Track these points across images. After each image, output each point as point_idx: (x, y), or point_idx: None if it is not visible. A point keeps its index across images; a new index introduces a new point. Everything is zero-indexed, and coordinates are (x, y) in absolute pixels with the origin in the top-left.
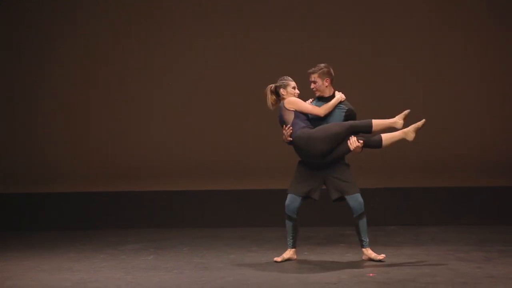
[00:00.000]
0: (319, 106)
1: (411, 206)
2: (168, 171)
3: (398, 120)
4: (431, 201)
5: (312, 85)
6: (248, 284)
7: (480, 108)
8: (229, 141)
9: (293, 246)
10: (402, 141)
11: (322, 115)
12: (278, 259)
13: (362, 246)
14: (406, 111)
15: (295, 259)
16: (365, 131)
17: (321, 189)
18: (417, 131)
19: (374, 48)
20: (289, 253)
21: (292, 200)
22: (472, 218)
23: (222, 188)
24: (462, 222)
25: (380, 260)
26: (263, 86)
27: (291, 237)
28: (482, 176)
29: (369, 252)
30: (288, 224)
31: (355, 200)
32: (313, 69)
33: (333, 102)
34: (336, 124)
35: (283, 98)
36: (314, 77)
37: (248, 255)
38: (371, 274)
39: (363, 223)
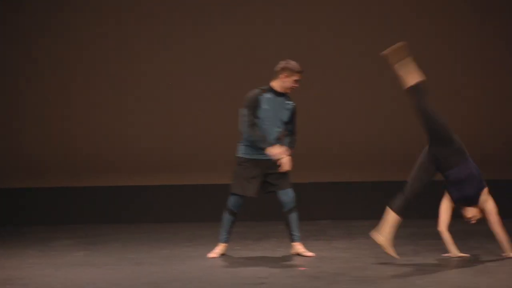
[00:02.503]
0: (276, 101)
1: (343, 200)
2: (97, 167)
3: None
4: (363, 196)
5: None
6: (180, 279)
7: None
8: (165, 135)
9: (226, 241)
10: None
11: None
12: (213, 255)
13: (293, 241)
14: None
15: (226, 254)
16: None
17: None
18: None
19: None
20: (222, 248)
21: (239, 197)
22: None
23: (153, 184)
24: None
25: (308, 257)
26: (242, 80)
27: (226, 232)
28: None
29: (298, 247)
30: (228, 218)
31: (286, 194)
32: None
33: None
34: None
35: None
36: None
37: (181, 251)
38: (302, 268)
39: (293, 217)
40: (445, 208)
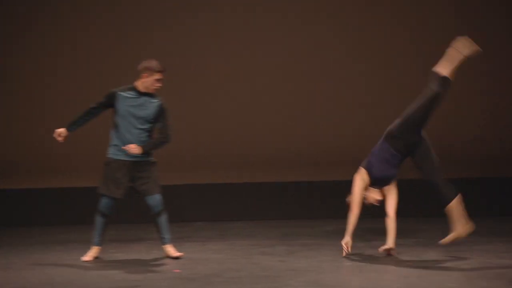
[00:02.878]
0: (138, 100)
1: (216, 202)
2: None
3: None
4: (236, 196)
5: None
6: (53, 283)
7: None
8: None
9: (100, 244)
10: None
11: None
12: (86, 258)
13: (163, 243)
14: None
15: (100, 257)
16: None
17: (128, 187)
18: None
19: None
20: (96, 251)
21: (109, 199)
22: (276, 212)
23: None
24: (268, 217)
25: (177, 257)
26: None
27: (99, 235)
28: (289, 173)
29: (168, 249)
30: (100, 221)
31: (153, 199)
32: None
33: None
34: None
35: None
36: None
37: (52, 254)
38: (176, 270)
39: (162, 220)
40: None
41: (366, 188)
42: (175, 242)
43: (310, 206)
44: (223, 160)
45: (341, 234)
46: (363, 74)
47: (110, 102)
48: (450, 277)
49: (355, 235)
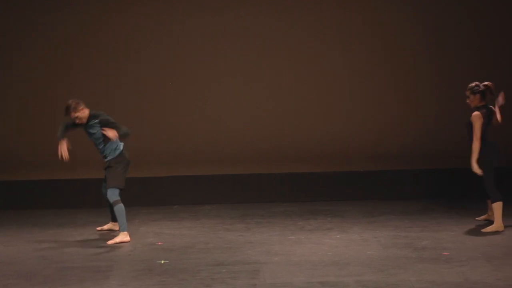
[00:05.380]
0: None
1: (191, 189)
2: None
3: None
4: (205, 185)
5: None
6: (65, 252)
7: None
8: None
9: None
10: None
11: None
12: (124, 239)
13: (120, 230)
14: None
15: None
16: None
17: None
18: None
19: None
20: (127, 234)
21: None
22: (237, 198)
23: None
24: (230, 201)
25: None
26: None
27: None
28: (250, 166)
29: (118, 236)
30: (123, 208)
31: (108, 192)
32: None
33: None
34: None
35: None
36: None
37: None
38: (159, 243)
39: (117, 209)
40: None
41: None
42: (158, 221)
43: (262, 192)
44: (199, 156)
45: (286, 215)
46: (362, 75)
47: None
48: (369, 246)
49: (299, 215)
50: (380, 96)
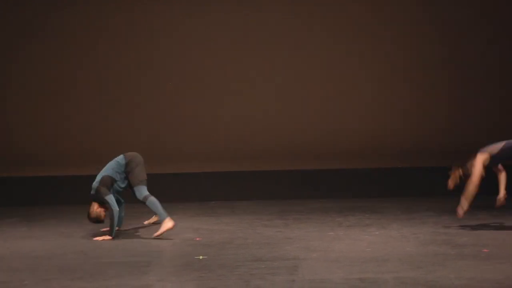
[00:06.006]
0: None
1: (229, 185)
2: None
3: None
4: (244, 181)
5: None
6: (103, 247)
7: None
8: None
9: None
10: None
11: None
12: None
13: (161, 220)
14: None
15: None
16: None
17: None
18: None
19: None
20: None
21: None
22: (275, 194)
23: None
24: (268, 198)
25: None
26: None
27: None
28: (284, 163)
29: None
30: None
31: (136, 193)
32: None
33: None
34: None
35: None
36: None
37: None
38: (197, 239)
39: (149, 203)
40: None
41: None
42: (196, 217)
43: (300, 189)
44: (234, 153)
45: (324, 211)
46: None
47: None
48: (408, 243)
49: (338, 212)
50: (423, 91)
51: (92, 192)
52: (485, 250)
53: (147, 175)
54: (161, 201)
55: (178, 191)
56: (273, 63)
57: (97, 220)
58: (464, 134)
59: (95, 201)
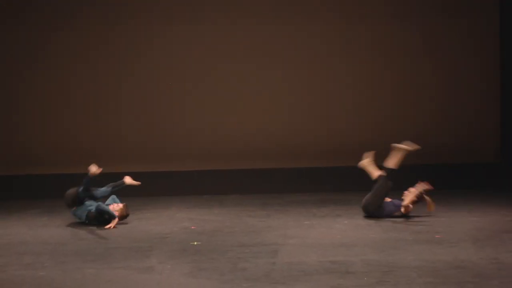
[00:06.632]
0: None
1: (218, 181)
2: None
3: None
4: (231, 178)
5: None
6: (111, 235)
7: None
8: None
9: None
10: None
11: None
12: None
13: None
14: None
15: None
16: None
17: None
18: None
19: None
20: None
21: None
22: (258, 189)
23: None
24: (253, 192)
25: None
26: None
27: None
28: (268, 162)
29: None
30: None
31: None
32: None
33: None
34: None
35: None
36: None
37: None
38: (192, 227)
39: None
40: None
41: None
42: (191, 209)
43: (281, 185)
44: (223, 152)
45: (300, 203)
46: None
47: None
48: (373, 230)
49: (313, 204)
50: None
51: (95, 214)
52: (438, 236)
53: (146, 173)
54: (160, 195)
55: (175, 187)
56: (265, 66)
57: (126, 216)
58: (440, 135)
59: (103, 215)
